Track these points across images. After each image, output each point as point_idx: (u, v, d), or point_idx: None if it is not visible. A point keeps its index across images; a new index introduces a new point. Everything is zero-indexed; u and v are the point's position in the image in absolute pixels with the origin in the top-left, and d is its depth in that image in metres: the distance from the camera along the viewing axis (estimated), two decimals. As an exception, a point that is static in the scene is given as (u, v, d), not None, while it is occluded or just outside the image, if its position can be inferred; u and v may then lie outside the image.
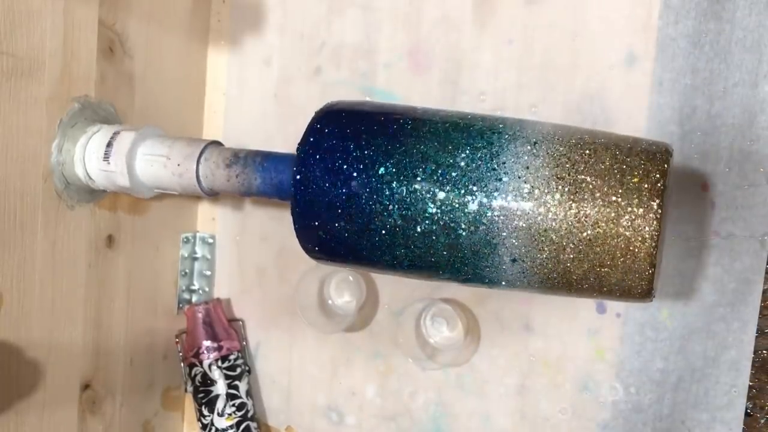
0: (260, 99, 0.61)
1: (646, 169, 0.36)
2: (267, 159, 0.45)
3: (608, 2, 0.50)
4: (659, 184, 0.35)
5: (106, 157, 0.47)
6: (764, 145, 0.47)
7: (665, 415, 0.50)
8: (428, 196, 0.38)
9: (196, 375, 0.60)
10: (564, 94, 0.52)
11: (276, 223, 0.62)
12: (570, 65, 0.51)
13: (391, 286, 0.58)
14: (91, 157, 0.47)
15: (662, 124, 0.49)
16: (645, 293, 0.36)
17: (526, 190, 0.36)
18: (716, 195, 0.48)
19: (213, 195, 0.48)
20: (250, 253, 0.63)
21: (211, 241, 0.64)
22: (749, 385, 0.48)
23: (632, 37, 0.50)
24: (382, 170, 0.39)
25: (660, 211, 0.35)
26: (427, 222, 0.38)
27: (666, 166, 0.36)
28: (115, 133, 0.47)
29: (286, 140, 0.60)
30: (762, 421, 0.48)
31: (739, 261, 0.48)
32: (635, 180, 0.35)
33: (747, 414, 0.48)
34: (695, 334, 0.49)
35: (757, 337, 0.48)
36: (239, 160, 0.45)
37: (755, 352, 0.48)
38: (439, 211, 0.38)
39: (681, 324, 0.50)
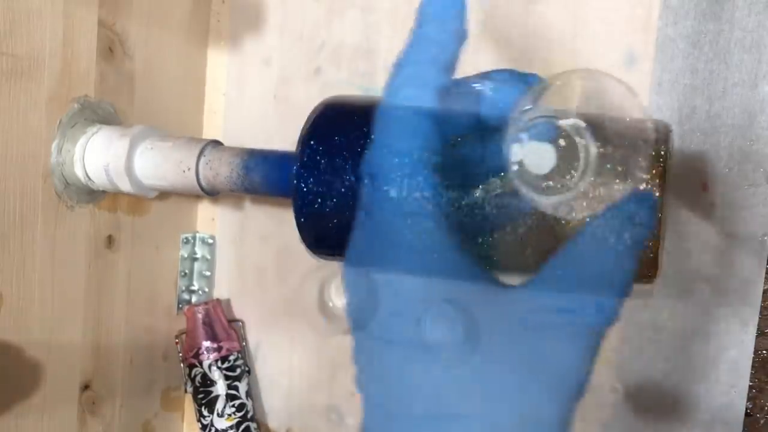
0: (260, 99, 0.61)
1: (647, 145, 0.36)
2: (266, 179, 0.45)
3: (608, 3, 0.50)
4: (660, 160, 0.35)
5: (114, 187, 0.48)
6: (764, 145, 0.47)
7: (665, 415, 0.50)
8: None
9: (195, 375, 0.60)
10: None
11: (276, 224, 0.62)
12: (570, 65, 0.51)
13: (391, 286, 0.58)
14: (98, 175, 0.48)
15: (662, 125, 0.49)
16: (648, 276, 0.36)
17: (525, 179, 0.36)
18: (716, 195, 0.48)
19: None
20: (249, 254, 0.63)
21: (210, 241, 0.64)
22: (749, 385, 0.48)
23: (632, 37, 0.50)
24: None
25: (662, 186, 0.35)
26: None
27: (667, 144, 0.36)
28: (106, 169, 0.48)
29: (286, 140, 0.60)
30: (762, 421, 0.48)
31: (739, 261, 0.48)
32: (637, 156, 0.35)
33: (747, 414, 0.48)
34: (695, 334, 0.49)
35: (757, 337, 0.48)
36: (240, 182, 0.46)
37: (755, 352, 0.48)
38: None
39: (681, 324, 0.50)
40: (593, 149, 0.28)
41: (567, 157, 0.28)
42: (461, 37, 0.26)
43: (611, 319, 0.25)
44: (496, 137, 0.30)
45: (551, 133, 0.28)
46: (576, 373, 0.25)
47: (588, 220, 0.27)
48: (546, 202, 0.28)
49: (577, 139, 0.28)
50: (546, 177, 0.28)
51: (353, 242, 0.27)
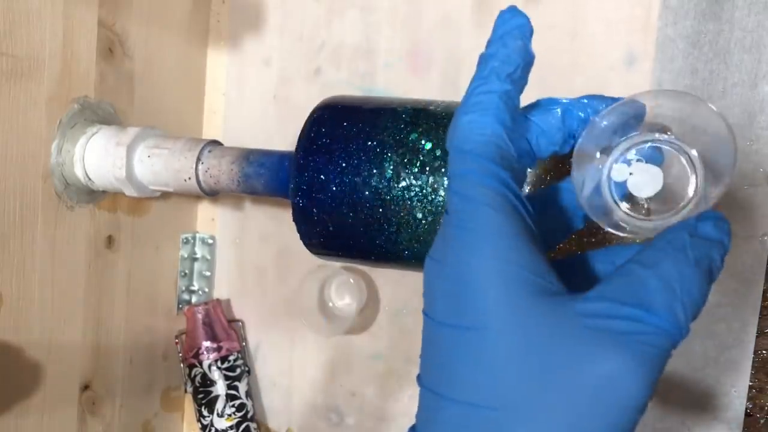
0: (260, 100, 0.61)
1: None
2: (266, 184, 0.46)
3: (607, 3, 0.50)
4: None
5: (119, 191, 0.49)
6: (764, 145, 0.47)
7: (665, 415, 0.50)
8: (429, 186, 0.38)
9: (195, 375, 0.60)
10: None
11: (276, 224, 0.62)
12: (570, 66, 0.51)
13: (392, 286, 0.58)
14: (100, 176, 0.48)
15: (662, 125, 0.49)
16: None
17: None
18: (716, 195, 0.48)
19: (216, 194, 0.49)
20: (249, 254, 0.63)
21: (210, 241, 0.64)
22: (749, 385, 0.48)
23: (631, 37, 0.50)
24: (382, 163, 0.39)
25: None
26: (429, 212, 0.38)
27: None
28: (108, 177, 0.48)
29: (286, 140, 0.60)
30: (762, 421, 0.48)
31: (739, 261, 0.48)
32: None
33: (747, 414, 0.48)
34: (695, 334, 0.49)
35: (757, 337, 0.48)
36: (240, 188, 0.47)
37: (755, 352, 0.48)
38: (441, 200, 0.38)
39: (681, 324, 0.50)
40: (701, 176, 0.27)
41: (674, 182, 0.27)
42: (524, 53, 0.28)
43: (677, 336, 0.24)
44: (590, 156, 0.30)
45: (659, 157, 0.27)
46: (636, 392, 0.23)
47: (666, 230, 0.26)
48: (647, 226, 0.28)
49: (689, 167, 0.27)
50: (647, 200, 0.28)
51: (438, 239, 0.27)
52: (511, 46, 0.28)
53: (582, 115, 0.30)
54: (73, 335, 0.50)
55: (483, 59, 0.28)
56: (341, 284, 0.59)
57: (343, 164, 0.40)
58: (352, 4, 0.58)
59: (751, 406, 0.48)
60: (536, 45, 0.52)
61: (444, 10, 0.55)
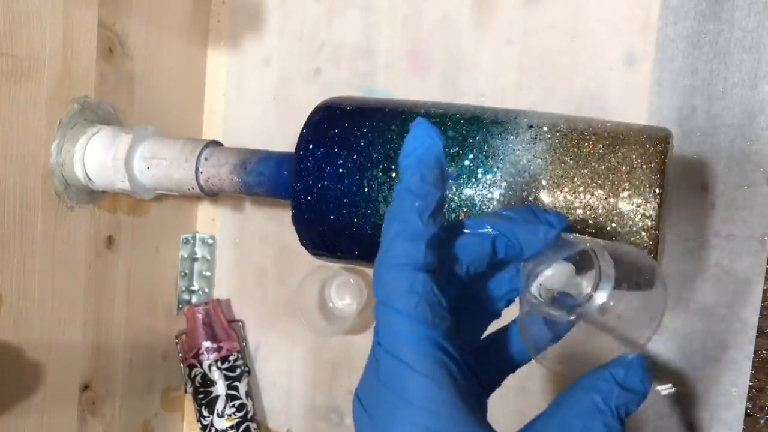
0: (260, 100, 0.61)
1: (645, 152, 0.36)
2: (267, 190, 0.46)
3: (607, 3, 0.50)
4: (659, 166, 0.35)
5: (121, 188, 0.49)
6: (764, 145, 0.47)
7: (666, 415, 0.50)
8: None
9: (195, 376, 0.60)
10: (563, 95, 0.52)
11: (276, 224, 0.62)
12: (569, 66, 0.51)
13: (391, 286, 0.58)
14: (99, 173, 0.48)
15: (661, 125, 0.49)
16: (648, 282, 0.36)
17: (527, 180, 0.37)
18: (716, 195, 0.48)
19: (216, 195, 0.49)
20: (249, 254, 0.63)
21: (210, 241, 0.64)
22: (749, 385, 0.48)
23: (631, 37, 0.50)
24: (381, 165, 0.39)
25: (660, 189, 0.35)
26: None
27: (665, 148, 0.36)
28: (115, 186, 0.48)
29: (286, 141, 0.60)
30: (762, 421, 0.48)
31: (739, 261, 0.48)
32: (635, 164, 0.36)
33: (747, 414, 0.48)
34: (695, 334, 0.49)
35: (757, 337, 0.48)
36: (242, 192, 0.47)
37: (755, 352, 0.48)
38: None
39: (681, 324, 0.50)
40: (610, 270, 0.30)
41: (583, 274, 0.30)
42: (443, 182, 0.27)
43: None
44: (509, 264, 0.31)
45: (568, 252, 0.29)
46: None
47: (579, 382, 0.28)
48: (562, 316, 0.30)
49: (594, 260, 0.30)
50: (560, 293, 0.30)
51: (369, 384, 0.27)
52: (429, 179, 0.26)
53: (508, 240, 0.29)
54: (73, 335, 0.50)
55: (403, 192, 0.27)
56: (341, 284, 0.59)
57: (343, 167, 0.40)
58: (352, 4, 0.58)
59: (751, 406, 0.48)
60: (536, 45, 0.52)
61: (444, 10, 0.55)
